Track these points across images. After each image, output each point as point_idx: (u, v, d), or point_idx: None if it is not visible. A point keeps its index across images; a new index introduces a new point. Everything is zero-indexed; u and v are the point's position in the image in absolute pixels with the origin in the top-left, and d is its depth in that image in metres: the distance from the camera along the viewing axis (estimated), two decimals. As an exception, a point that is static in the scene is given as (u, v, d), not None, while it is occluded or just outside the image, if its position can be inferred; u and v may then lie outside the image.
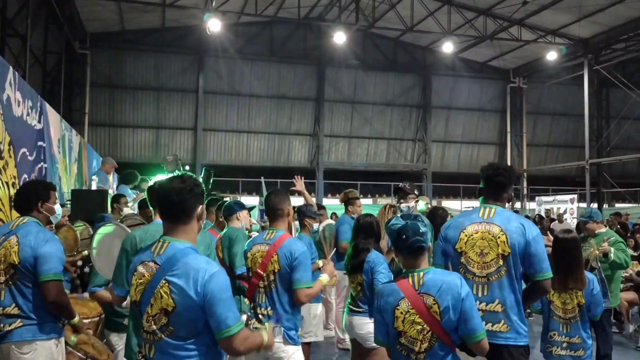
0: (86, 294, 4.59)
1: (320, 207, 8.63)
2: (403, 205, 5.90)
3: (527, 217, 14.17)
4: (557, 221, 15.89)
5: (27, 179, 6.85)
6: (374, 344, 3.50)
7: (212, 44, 21.95)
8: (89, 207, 7.35)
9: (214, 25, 18.54)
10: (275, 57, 24.12)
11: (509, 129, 27.25)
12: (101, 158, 13.42)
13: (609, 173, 25.75)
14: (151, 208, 3.68)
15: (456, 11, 20.98)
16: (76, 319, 3.85)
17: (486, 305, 3.38)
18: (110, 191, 9.26)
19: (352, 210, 7.02)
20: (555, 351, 4.36)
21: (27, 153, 7.22)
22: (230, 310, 2.36)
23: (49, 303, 3.54)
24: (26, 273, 3.53)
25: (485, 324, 2.98)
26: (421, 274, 2.89)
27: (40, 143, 8.02)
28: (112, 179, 11.15)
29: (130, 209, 7.27)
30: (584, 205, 21.97)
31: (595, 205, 22.75)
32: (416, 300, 2.83)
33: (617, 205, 26.66)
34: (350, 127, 25.90)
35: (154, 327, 2.40)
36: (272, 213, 3.97)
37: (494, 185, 3.61)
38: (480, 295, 3.39)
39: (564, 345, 4.33)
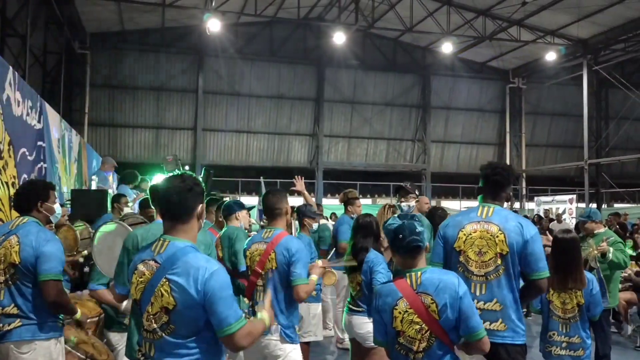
0: (86, 292, 4.59)
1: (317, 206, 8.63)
2: (403, 204, 5.92)
3: (525, 217, 14.18)
4: (555, 221, 15.90)
5: (27, 179, 6.84)
6: (373, 344, 3.51)
7: (211, 44, 21.95)
8: (89, 207, 7.35)
9: (213, 25, 18.55)
10: (275, 57, 24.12)
11: (508, 129, 27.26)
12: (101, 158, 13.42)
13: (608, 173, 25.78)
14: (153, 207, 3.70)
15: (455, 11, 20.99)
16: (78, 314, 3.87)
17: (484, 304, 3.39)
18: (110, 191, 9.26)
19: (352, 211, 7.02)
20: (555, 351, 4.36)
21: (27, 153, 7.21)
22: (231, 308, 2.37)
23: (49, 303, 3.55)
24: (26, 273, 3.54)
25: (483, 323, 2.99)
26: (419, 273, 2.89)
27: (40, 143, 8.02)
28: (112, 179, 11.14)
29: (131, 208, 7.28)
30: (582, 205, 21.99)
31: (594, 206, 22.76)
32: (414, 300, 2.84)
33: (616, 205, 26.69)
34: (349, 127, 25.91)
35: (155, 325, 2.40)
36: (270, 212, 3.99)
37: (493, 184, 3.62)
38: (478, 294, 3.40)
39: (564, 345, 4.34)
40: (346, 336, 6.04)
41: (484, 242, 3.44)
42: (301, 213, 5.99)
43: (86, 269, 5.51)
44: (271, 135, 25.06)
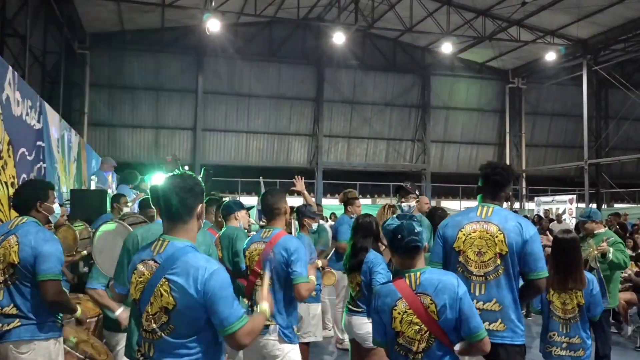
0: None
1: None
2: (404, 205, 5.92)
3: (525, 217, 14.18)
4: (555, 221, 15.89)
5: (26, 179, 6.84)
6: (373, 344, 3.50)
7: (211, 44, 21.94)
8: (88, 207, 7.35)
9: (213, 25, 18.54)
10: (275, 58, 24.12)
11: (507, 130, 27.25)
12: (100, 158, 13.41)
13: (608, 173, 25.78)
14: (153, 207, 3.70)
15: (455, 12, 21.00)
16: (78, 312, 3.87)
17: (483, 304, 3.39)
18: (110, 191, 9.26)
19: (352, 211, 7.02)
20: (555, 351, 4.36)
21: (26, 153, 7.21)
22: (231, 307, 2.36)
23: (48, 303, 3.54)
24: (25, 273, 3.53)
25: (482, 323, 2.99)
26: (418, 273, 2.89)
27: (39, 143, 8.01)
28: (112, 179, 11.14)
29: (130, 209, 7.27)
30: (582, 205, 21.98)
31: (594, 206, 22.76)
32: (413, 301, 2.83)
33: (615, 205, 26.69)
34: (349, 128, 25.91)
35: (154, 325, 2.40)
36: (269, 212, 3.98)
37: (492, 184, 3.62)
38: (477, 294, 3.40)
39: (564, 345, 4.33)
40: (346, 337, 6.04)
41: (483, 242, 3.44)
42: (301, 213, 5.99)
43: (85, 269, 5.50)
44: (271, 135, 25.05)
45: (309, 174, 23.95)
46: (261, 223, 11.59)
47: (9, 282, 3.55)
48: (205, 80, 23.62)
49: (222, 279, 2.38)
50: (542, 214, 19.30)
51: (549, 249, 4.56)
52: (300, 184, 6.83)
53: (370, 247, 4.62)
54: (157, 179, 8.36)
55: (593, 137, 24.99)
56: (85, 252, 5.58)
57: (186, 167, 17.61)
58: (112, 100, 22.70)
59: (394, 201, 7.00)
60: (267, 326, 3.64)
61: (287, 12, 20.59)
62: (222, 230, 5.04)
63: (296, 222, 5.89)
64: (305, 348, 5.55)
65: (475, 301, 3.23)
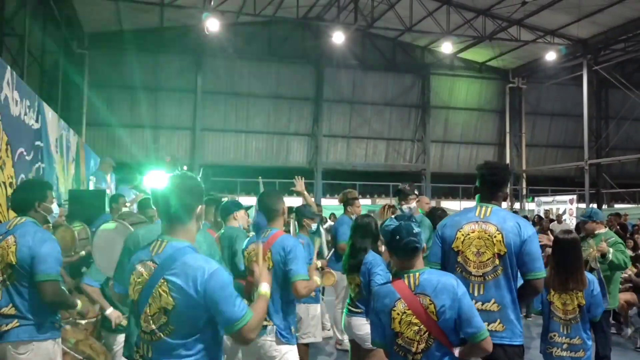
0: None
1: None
2: (404, 207, 5.91)
3: (525, 217, 14.17)
4: (556, 222, 15.87)
5: (25, 179, 6.82)
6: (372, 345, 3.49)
7: (210, 43, 21.92)
8: (87, 207, 7.34)
9: (212, 25, 18.53)
10: (274, 57, 24.09)
11: (508, 130, 27.24)
12: (99, 158, 13.39)
13: (608, 173, 25.78)
14: (153, 208, 3.70)
15: (455, 11, 20.99)
16: (79, 305, 3.88)
17: (482, 305, 3.38)
18: (108, 191, 9.24)
19: (351, 211, 7.01)
20: (556, 352, 4.35)
21: (25, 153, 7.19)
22: (234, 305, 2.36)
23: (47, 303, 3.54)
24: (23, 273, 3.53)
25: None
26: (417, 274, 2.89)
27: (37, 143, 7.99)
28: (111, 179, 11.11)
29: (129, 209, 7.25)
30: (583, 205, 21.97)
31: (594, 206, 22.76)
32: (412, 301, 2.83)
33: (616, 205, 26.68)
34: (349, 127, 25.90)
35: (153, 326, 2.39)
36: (267, 213, 3.97)
37: (489, 184, 3.62)
38: (476, 294, 3.40)
39: (564, 346, 4.32)
40: (345, 337, 6.02)
41: (482, 242, 3.44)
42: (300, 213, 5.98)
43: (83, 270, 5.48)
44: (270, 135, 25.03)
45: (309, 174, 23.92)
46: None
47: (7, 283, 3.56)
48: (204, 80, 23.60)
49: (223, 278, 2.37)
50: (542, 214, 19.29)
51: (549, 250, 4.54)
52: (300, 184, 6.83)
53: (369, 247, 4.61)
54: (152, 176, 8.34)
55: (593, 137, 24.99)
56: (83, 253, 5.57)
57: (185, 167, 17.60)
58: (111, 100, 22.65)
59: (393, 201, 6.99)
60: (264, 327, 3.62)
61: (286, 11, 20.57)
62: (222, 231, 5.03)
63: (295, 222, 5.87)
64: (305, 349, 5.54)
65: (474, 301, 3.22)
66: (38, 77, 16.51)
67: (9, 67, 6.74)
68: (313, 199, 7.58)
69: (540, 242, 5.75)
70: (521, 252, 3.38)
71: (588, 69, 23.10)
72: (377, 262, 4.48)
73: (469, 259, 3.45)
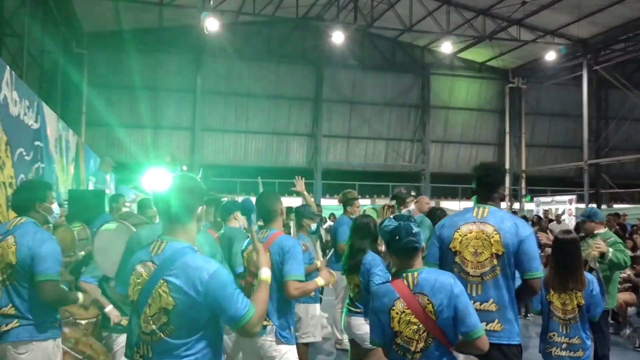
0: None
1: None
2: (404, 211, 5.94)
3: (524, 217, 14.17)
4: (555, 222, 15.87)
5: (24, 179, 6.82)
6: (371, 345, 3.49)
7: (209, 43, 21.91)
8: (86, 207, 7.34)
9: (211, 24, 18.52)
10: (273, 57, 24.09)
11: (507, 130, 27.25)
12: (99, 158, 13.39)
13: (608, 174, 25.79)
14: (153, 208, 3.71)
15: (455, 11, 21.00)
16: (80, 299, 3.88)
17: (480, 305, 3.40)
18: (108, 191, 9.25)
19: (351, 211, 7.01)
20: (555, 352, 4.36)
21: (24, 153, 7.19)
22: (237, 302, 2.37)
23: (47, 303, 3.55)
24: (23, 273, 3.54)
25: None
26: (415, 273, 2.90)
27: (37, 143, 8.00)
28: (110, 179, 11.12)
29: (129, 209, 7.26)
30: (582, 206, 21.97)
31: (594, 206, 22.76)
32: (411, 300, 2.84)
33: (615, 205, 26.66)
34: (348, 128, 25.90)
35: (153, 326, 2.39)
36: (267, 215, 3.98)
37: (485, 185, 3.66)
38: (474, 294, 3.42)
39: (564, 346, 4.33)
40: (345, 337, 6.03)
41: (479, 242, 3.46)
42: (300, 214, 5.98)
43: (83, 269, 5.48)
44: (269, 135, 25.03)
45: (308, 174, 23.92)
46: (260, 223, 11.60)
47: (7, 283, 3.56)
48: (204, 80, 23.60)
49: (223, 277, 2.38)
50: (541, 215, 19.30)
51: (549, 249, 4.55)
52: (300, 184, 6.85)
53: (368, 248, 4.61)
54: (151, 175, 8.33)
55: (593, 137, 24.99)
56: (83, 253, 5.57)
57: (184, 168, 17.60)
58: (111, 100, 22.59)
59: (393, 202, 7.01)
60: (264, 327, 3.63)
61: (286, 11, 20.58)
62: (222, 231, 5.03)
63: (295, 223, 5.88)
64: (304, 348, 5.54)
65: (472, 302, 3.24)
66: (37, 77, 16.50)
67: (8, 67, 6.74)
68: (313, 199, 7.58)
69: (540, 239, 5.77)
70: (519, 252, 3.40)
71: (588, 69, 23.11)
72: (375, 262, 4.48)
73: (466, 259, 3.46)
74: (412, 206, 6.03)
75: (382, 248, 4.75)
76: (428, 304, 2.81)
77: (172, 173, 2.66)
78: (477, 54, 25.35)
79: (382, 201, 24.79)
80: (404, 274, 2.91)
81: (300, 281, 3.68)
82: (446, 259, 3.55)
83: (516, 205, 26.49)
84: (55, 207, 3.99)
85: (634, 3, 18.51)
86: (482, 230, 3.46)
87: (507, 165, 26.72)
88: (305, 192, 6.86)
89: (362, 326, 4.50)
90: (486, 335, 2.92)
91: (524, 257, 3.40)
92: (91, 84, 21.71)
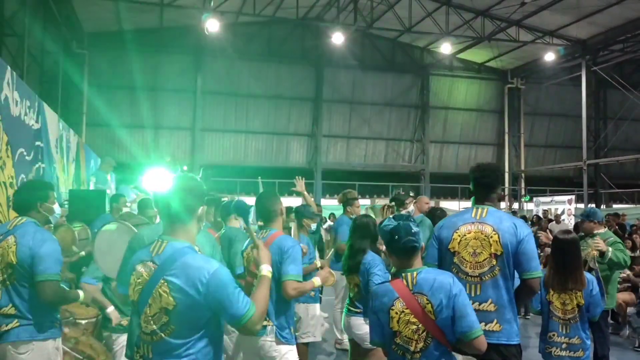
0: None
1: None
2: (404, 212, 5.95)
3: (523, 217, 14.19)
4: (554, 222, 15.88)
5: (25, 179, 6.83)
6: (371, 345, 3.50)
7: (210, 44, 21.90)
8: (87, 207, 7.35)
9: (212, 25, 18.52)
10: (274, 58, 24.09)
11: (506, 130, 27.27)
12: (99, 158, 13.40)
13: (607, 174, 25.82)
14: (154, 208, 3.72)
15: (454, 12, 21.00)
16: (81, 297, 3.88)
17: (479, 305, 3.40)
18: (109, 191, 9.26)
19: (351, 211, 7.02)
20: (555, 352, 4.36)
21: (25, 153, 7.20)
22: (238, 301, 2.38)
23: (47, 303, 3.55)
24: (24, 273, 3.53)
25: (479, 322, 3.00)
26: (414, 273, 2.90)
27: (37, 143, 8.01)
28: (111, 179, 11.13)
29: (130, 209, 7.27)
30: (581, 206, 21.98)
31: (593, 206, 22.76)
32: (410, 300, 2.84)
33: (614, 206, 26.70)
34: (348, 128, 25.91)
35: (154, 326, 2.39)
36: (267, 215, 3.98)
37: (482, 186, 3.67)
38: (473, 294, 3.42)
39: (564, 346, 4.33)
40: (345, 337, 6.03)
41: (478, 242, 3.46)
42: (300, 214, 5.99)
43: (84, 269, 5.50)
44: (269, 135, 25.04)
45: (308, 174, 23.91)
46: (259, 223, 11.61)
47: (8, 283, 3.56)
48: (204, 80, 23.60)
49: (223, 277, 2.39)
50: (540, 215, 19.30)
51: (549, 249, 4.56)
52: (300, 184, 6.86)
53: (368, 248, 4.61)
54: (151, 175, 8.36)
55: (592, 137, 25.01)
56: (83, 253, 5.58)
57: (184, 168, 17.62)
58: (111, 100, 22.58)
59: (392, 204, 7.03)
60: (264, 327, 3.64)
61: (286, 11, 20.58)
62: (222, 231, 5.04)
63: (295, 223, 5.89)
64: (304, 348, 5.55)
65: (471, 302, 3.24)
66: (38, 77, 16.51)
67: (8, 67, 6.75)
68: (313, 199, 7.59)
69: (540, 238, 5.78)
70: (517, 252, 3.40)
71: (587, 70, 23.12)
72: (375, 262, 4.49)
73: (465, 259, 3.47)
74: (411, 207, 6.04)
75: (382, 248, 4.77)
76: (427, 303, 2.82)
77: (173, 173, 2.67)
78: (476, 55, 25.37)
79: (382, 201, 24.79)
80: (403, 274, 2.91)
81: (298, 281, 3.69)
82: (445, 259, 3.55)
83: (515, 206, 26.48)
84: (56, 207, 4.00)
85: (633, 3, 18.51)
86: (481, 231, 3.46)
87: (507, 166, 26.76)
88: (306, 192, 6.87)
89: (362, 326, 4.50)
90: (484, 336, 2.92)
91: (522, 257, 3.40)
92: (91, 84, 21.70)
